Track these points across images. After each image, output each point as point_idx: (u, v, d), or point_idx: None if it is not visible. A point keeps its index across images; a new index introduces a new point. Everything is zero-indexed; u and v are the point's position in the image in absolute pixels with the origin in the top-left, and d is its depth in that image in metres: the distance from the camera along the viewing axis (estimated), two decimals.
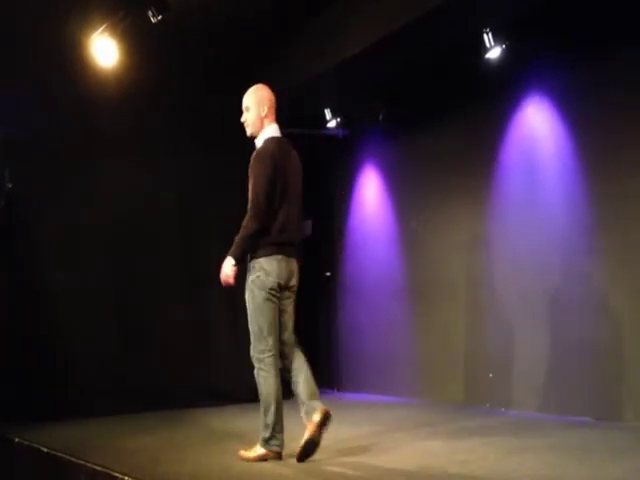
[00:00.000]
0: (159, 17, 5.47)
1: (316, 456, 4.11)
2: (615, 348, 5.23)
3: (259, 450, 4.18)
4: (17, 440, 5.10)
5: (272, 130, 4.40)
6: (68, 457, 4.43)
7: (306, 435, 4.06)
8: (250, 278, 4.25)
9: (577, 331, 5.51)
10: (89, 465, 4.15)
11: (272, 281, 4.20)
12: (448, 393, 6.66)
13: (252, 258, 4.26)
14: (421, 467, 3.90)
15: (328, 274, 8.24)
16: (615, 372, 5.23)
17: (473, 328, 6.45)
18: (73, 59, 6.02)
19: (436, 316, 6.86)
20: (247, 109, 4.41)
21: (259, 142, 4.39)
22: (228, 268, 4.19)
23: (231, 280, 4.22)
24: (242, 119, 4.47)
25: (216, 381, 6.96)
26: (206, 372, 6.93)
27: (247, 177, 4.35)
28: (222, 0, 5.89)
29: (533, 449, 4.31)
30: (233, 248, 4.21)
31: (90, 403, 6.23)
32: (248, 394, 6.61)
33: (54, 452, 4.62)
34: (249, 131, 4.45)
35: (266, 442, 4.16)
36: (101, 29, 5.79)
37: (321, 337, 8.16)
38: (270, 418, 4.12)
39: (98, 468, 4.06)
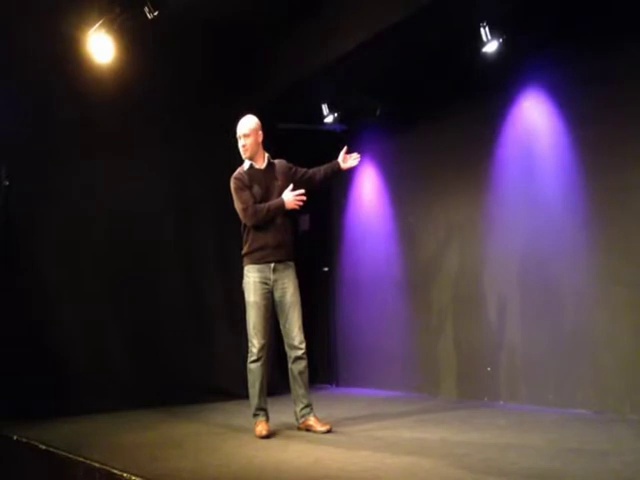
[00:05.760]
0: (155, 13, 5.48)
1: (314, 453, 4.12)
2: (614, 341, 5.23)
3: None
4: (15, 438, 5.10)
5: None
6: (67, 454, 4.42)
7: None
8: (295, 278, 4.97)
9: (576, 324, 5.52)
10: (88, 462, 4.15)
11: None
12: (446, 387, 6.67)
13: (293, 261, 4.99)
14: (419, 461, 3.90)
15: (326, 269, 8.25)
16: (614, 365, 5.24)
17: (471, 322, 6.46)
18: (70, 56, 6.02)
19: (434, 310, 6.86)
20: (247, 136, 4.91)
21: (267, 159, 5.02)
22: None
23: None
24: (242, 144, 4.91)
25: (216, 377, 6.95)
26: (206, 368, 6.92)
27: None
28: None
29: (531, 442, 4.32)
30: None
31: (88, 400, 6.22)
32: (247, 390, 6.65)
33: (53, 449, 4.61)
34: (247, 155, 4.94)
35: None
36: (97, 25, 5.79)
37: (318, 332, 8.13)
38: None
39: (97, 465, 4.05)
